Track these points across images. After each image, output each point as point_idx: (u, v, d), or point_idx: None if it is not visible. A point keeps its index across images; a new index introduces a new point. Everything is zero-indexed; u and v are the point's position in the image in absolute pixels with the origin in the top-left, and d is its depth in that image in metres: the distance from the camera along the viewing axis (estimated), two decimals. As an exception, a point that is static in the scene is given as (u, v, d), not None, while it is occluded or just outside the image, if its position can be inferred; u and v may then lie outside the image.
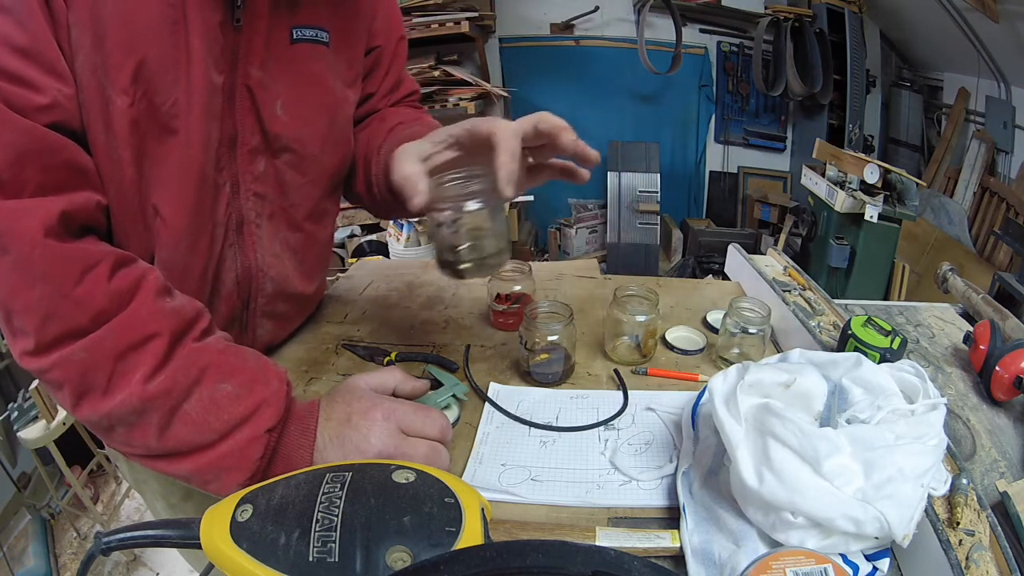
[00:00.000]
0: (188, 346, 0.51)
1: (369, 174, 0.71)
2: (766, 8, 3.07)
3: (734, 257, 0.96)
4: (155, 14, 0.50)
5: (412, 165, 0.54)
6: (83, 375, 0.47)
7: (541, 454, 0.59)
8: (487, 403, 0.66)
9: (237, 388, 0.50)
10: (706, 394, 0.54)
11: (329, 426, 0.53)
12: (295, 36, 0.60)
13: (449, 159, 0.56)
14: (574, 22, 3.14)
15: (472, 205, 0.52)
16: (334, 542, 0.36)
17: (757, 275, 0.85)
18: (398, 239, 2.62)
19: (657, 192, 3.12)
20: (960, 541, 0.44)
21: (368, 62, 0.74)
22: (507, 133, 0.52)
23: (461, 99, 2.67)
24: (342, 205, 0.79)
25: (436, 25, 2.59)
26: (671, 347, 0.76)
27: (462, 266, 0.55)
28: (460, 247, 0.55)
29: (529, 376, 0.70)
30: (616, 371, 0.71)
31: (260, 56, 0.58)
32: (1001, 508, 0.53)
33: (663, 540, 0.47)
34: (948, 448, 0.48)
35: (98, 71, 0.48)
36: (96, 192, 0.51)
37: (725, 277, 1.00)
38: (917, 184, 2.05)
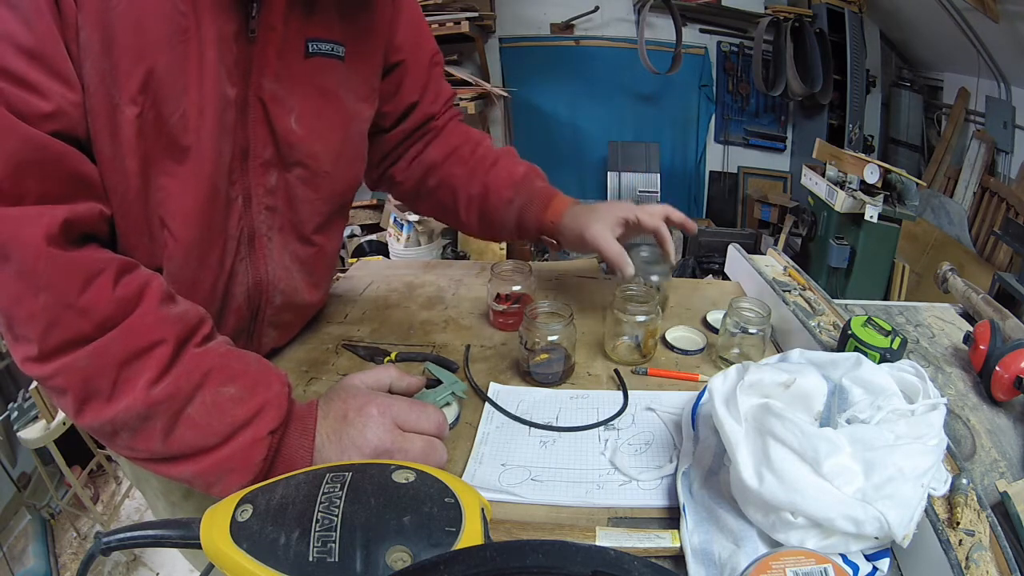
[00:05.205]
0: (191, 351, 0.50)
1: (487, 210, 0.81)
2: (766, 8, 3.07)
3: (734, 257, 0.96)
4: (166, 21, 0.48)
5: (614, 244, 0.74)
6: (87, 382, 0.47)
7: (541, 454, 0.59)
8: (487, 403, 0.66)
9: (239, 391, 0.50)
10: (706, 394, 0.55)
11: (326, 424, 0.53)
12: (310, 49, 0.59)
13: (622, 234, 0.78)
14: (574, 22, 3.14)
15: (655, 278, 0.80)
16: (334, 542, 0.36)
17: (757, 275, 0.85)
18: (398, 239, 2.61)
19: (657, 192, 3.12)
20: (960, 541, 0.44)
21: (395, 77, 0.74)
22: (666, 230, 0.77)
23: (461, 99, 2.67)
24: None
25: (436, 25, 2.60)
26: (671, 347, 0.76)
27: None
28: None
29: (529, 376, 0.70)
30: (616, 371, 0.71)
31: (274, 68, 0.57)
32: (1001, 508, 0.53)
33: (663, 540, 0.47)
34: (948, 448, 0.48)
35: (106, 78, 0.47)
36: (99, 202, 0.50)
37: (725, 277, 1.00)
38: (917, 184, 2.05)
